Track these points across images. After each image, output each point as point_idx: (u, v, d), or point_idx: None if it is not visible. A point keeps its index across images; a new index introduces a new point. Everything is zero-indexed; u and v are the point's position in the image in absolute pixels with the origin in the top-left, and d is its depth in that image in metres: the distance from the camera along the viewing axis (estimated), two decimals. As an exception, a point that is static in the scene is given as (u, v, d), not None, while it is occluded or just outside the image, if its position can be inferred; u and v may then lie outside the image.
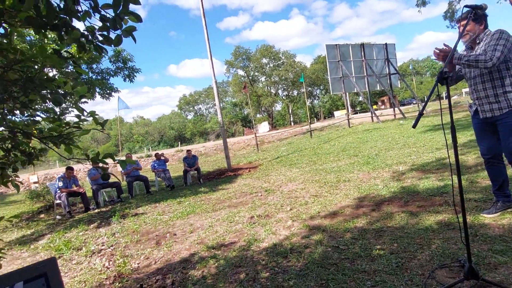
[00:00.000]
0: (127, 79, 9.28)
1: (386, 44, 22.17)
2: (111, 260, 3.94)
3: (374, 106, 39.26)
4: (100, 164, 1.49)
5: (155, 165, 9.82)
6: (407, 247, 2.76)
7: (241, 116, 61.18)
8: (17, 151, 1.90)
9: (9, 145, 1.87)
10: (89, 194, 8.38)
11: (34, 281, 0.49)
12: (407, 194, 4.39)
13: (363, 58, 21.15)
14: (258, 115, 61.79)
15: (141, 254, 3.93)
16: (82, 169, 18.37)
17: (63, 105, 9.14)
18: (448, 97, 2.16)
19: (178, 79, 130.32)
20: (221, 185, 8.34)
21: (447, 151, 2.54)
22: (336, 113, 50.21)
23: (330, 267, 2.63)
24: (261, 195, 6.17)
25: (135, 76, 9.40)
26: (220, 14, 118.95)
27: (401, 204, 4.01)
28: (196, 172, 10.05)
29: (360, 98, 56.17)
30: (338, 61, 20.35)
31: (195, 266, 3.14)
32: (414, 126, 2.02)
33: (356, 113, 40.77)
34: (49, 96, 1.35)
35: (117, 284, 3.09)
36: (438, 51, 2.64)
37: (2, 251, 1.96)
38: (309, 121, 22.21)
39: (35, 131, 1.50)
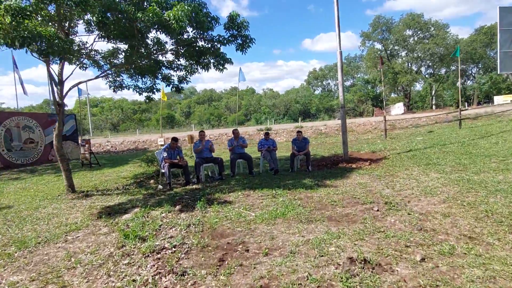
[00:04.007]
0: (239, 49, 8.28)
1: None
2: (160, 273, 3.10)
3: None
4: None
5: (262, 142, 8.93)
6: None
7: (372, 94, 55.65)
8: None
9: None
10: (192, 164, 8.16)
11: None
12: None
13: (559, 26, 15.08)
14: (392, 95, 55.00)
15: (192, 277, 2.95)
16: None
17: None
18: None
19: (312, 53, 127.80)
20: (329, 179, 6.82)
21: None
22: (497, 98, 38.77)
23: None
24: (377, 210, 4.44)
25: (250, 46, 8.28)
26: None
27: None
28: (305, 157, 8.73)
29: (537, 81, 43.16)
30: (517, 29, 15.07)
31: None
32: None
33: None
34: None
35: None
36: None
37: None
38: (459, 106, 17.54)
39: None
